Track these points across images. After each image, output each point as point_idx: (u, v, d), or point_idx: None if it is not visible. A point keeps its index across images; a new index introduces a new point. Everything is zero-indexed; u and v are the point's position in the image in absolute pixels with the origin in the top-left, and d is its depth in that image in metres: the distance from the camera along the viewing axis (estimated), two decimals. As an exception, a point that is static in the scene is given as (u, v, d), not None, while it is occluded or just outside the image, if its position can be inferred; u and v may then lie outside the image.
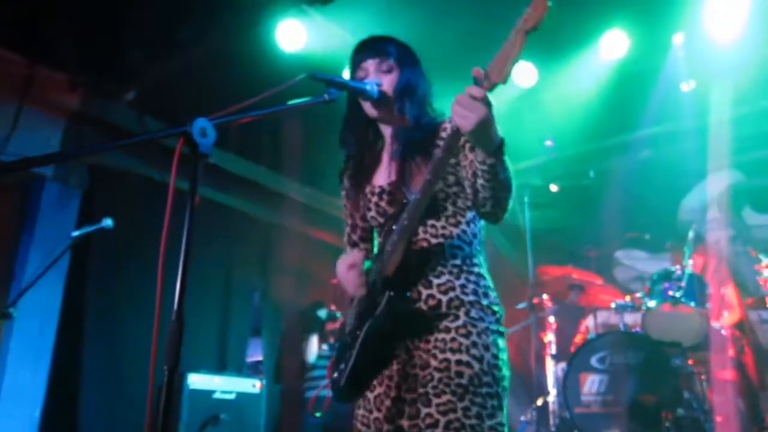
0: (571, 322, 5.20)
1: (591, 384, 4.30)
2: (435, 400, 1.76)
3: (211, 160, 5.51)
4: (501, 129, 1.72)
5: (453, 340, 1.80)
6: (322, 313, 5.52)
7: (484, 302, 1.87)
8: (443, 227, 1.92)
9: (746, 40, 5.19)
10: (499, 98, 5.50)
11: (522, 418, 4.93)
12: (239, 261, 5.89)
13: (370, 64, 2.07)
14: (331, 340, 5.42)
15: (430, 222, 1.92)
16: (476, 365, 1.76)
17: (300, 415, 5.31)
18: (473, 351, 1.78)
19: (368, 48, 2.11)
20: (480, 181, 1.77)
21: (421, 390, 1.80)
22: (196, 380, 4.40)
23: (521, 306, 5.03)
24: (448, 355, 1.78)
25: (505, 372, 1.85)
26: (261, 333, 5.77)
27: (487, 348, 1.80)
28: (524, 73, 6.02)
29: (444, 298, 1.84)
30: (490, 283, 1.94)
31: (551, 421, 4.80)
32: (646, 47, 5.59)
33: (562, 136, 5.62)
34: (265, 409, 4.80)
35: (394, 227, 1.90)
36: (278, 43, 4.89)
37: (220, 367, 5.38)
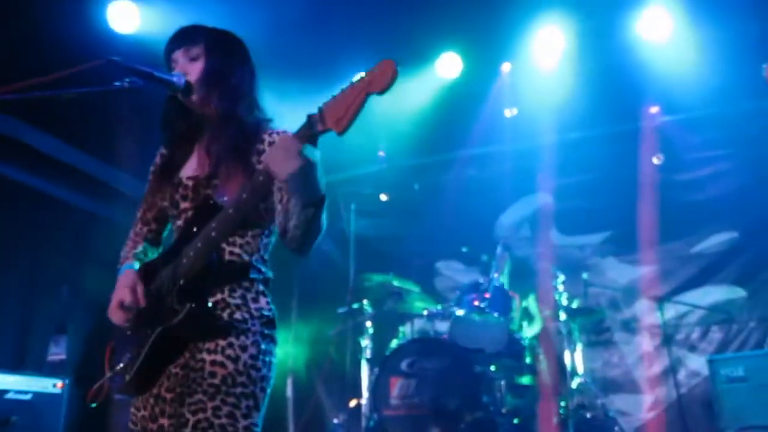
0: (388, 327, 5.37)
1: (400, 387, 4.45)
2: (188, 400, 1.76)
3: (25, 140, 5.12)
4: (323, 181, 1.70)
5: (212, 339, 1.80)
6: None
7: (252, 306, 1.88)
8: (234, 240, 1.91)
9: (562, 77, 5.72)
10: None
11: (335, 420, 5.01)
12: (48, 252, 5.46)
13: (179, 54, 2.01)
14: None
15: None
16: (230, 365, 1.77)
17: (109, 416, 5.04)
18: (228, 351, 1.78)
19: (177, 37, 2.04)
20: (292, 223, 1.78)
21: (178, 390, 1.79)
22: (-14, 379, 4.03)
23: (341, 310, 5.14)
24: (204, 355, 1.78)
25: (266, 373, 1.85)
26: (66, 329, 5.38)
27: (244, 349, 1.80)
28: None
29: (211, 300, 1.84)
30: (264, 288, 1.95)
31: (363, 424, 4.91)
32: (476, 72, 5.96)
33: (394, 148, 5.81)
34: (66, 411, 4.48)
35: (194, 229, 1.84)
36: (109, 24, 4.65)
37: (17, 365, 4.95)
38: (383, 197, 6.13)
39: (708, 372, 4.21)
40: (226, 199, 1.84)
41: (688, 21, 5.24)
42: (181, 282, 1.80)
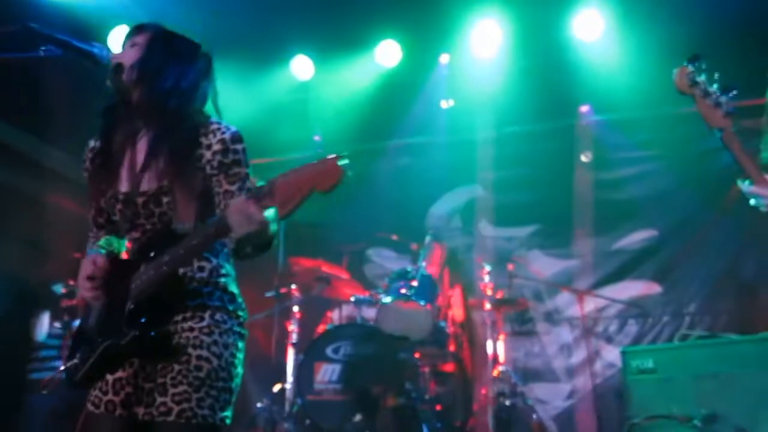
0: (316, 313, 5.37)
1: (324, 373, 4.48)
2: (172, 390, 1.82)
3: None
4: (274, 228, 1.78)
5: (196, 338, 1.87)
6: (58, 288, 5.09)
7: (230, 307, 1.96)
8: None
9: (499, 71, 5.82)
10: (275, 86, 5.45)
11: (258, 405, 4.98)
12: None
13: (126, 43, 2.03)
14: (66, 318, 5.04)
15: None
16: (215, 361, 1.86)
17: (19, 399, 4.85)
18: (213, 348, 1.87)
19: (131, 30, 2.06)
20: (242, 245, 1.84)
21: (160, 380, 1.84)
22: None
23: (269, 294, 5.10)
24: (190, 350, 1.85)
25: (240, 371, 1.95)
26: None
27: (226, 347, 1.90)
28: (302, 66, 6.13)
29: (191, 304, 1.91)
30: (236, 290, 2.01)
31: (286, 408, 4.91)
32: (415, 61, 6.00)
33: (330, 133, 5.78)
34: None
35: (151, 254, 1.85)
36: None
37: None
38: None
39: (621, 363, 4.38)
40: (182, 225, 1.89)
41: (619, 24, 5.41)
42: (131, 306, 1.84)
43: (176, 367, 1.83)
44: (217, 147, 1.93)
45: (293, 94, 6.21)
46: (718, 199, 5.14)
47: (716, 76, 2.26)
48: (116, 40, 5.09)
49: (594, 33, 5.47)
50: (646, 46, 5.30)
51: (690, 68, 2.23)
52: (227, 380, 1.88)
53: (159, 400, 1.81)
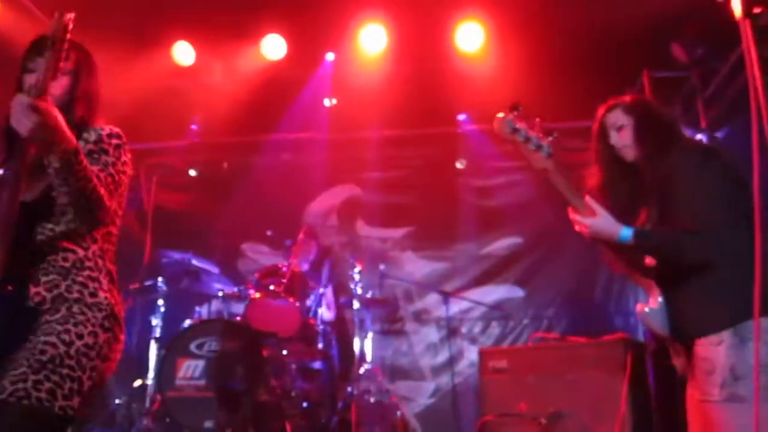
0: (184, 307, 5.23)
1: (187, 369, 4.37)
2: (11, 372, 1.79)
3: None
4: (69, 136, 1.78)
5: (49, 326, 1.86)
6: None
7: (90, 301, 1.93)
8: (52, 229, 1.95)
9: (383, 74, 5.90)
10: (153, 70, 5.22)
11: (116, 401, 4.79)
12: None
13: None
14: None
15: (44, 223, 1.95)
16: (62, 348, 1.83)
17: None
18: (64, 336, 1.85)
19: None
20: (56, 184, 1.84)
21: (5, 365, 1.82)
22: None
23: (134, 286, 4.91)
24: (40, 336, 1.85)
25: (102, 366, 1.91)
26: None
27: (80, 337, 1.87)
28: (182, 52, 5.92)
29: (49, 296, 1.90)
30: (103, 284, 1.99)
31: (146, 405, 4.74)
32: (301, 57, 5.94)
33: (209, 123, 5.63)
34: None
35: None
36: None
37: None
38: (192, 172, 5.93)
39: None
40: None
41: (497, 38, 5.63)
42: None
43: (21, 353, 1.81)
44: None
45: (173, 80, 5.99)
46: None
47: (537, 120, 2.39)
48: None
49: (474, 44, 5.67)
50: (521, 60, 5.54)
51: (510, 116, 2.35)
52: (75, 369, 1.83)
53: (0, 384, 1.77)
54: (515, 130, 2.36)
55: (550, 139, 2.38)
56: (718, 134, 5.35)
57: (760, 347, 2.19)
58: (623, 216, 2.47)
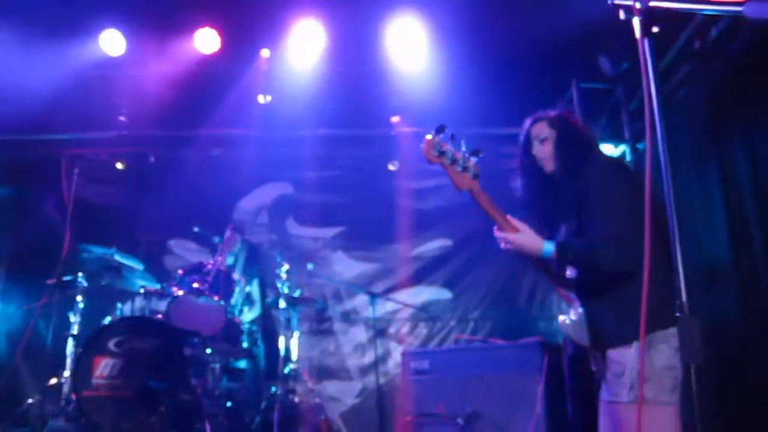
0: (104, 304, 5.07)
1: (104, 367, 4.25)
2: None
3: None
4: None
5: None
6: None
7: None
8: None
9: (318, 73, 5.87)
10: (79, 59, 5.04)
11: (29, 400, 4.61)
12: None
13: None
14: None
15: None
16: None
17: None
18: None
19: None
20: None
21: None
22: None
23: (50, 281, 4.74)
24: None
25: None
26: None
27: None
28: (112, 40, 5.74)
29: None
30: None
31: (61, 403, 4.59)
32: (235, 52, 5.85)
33: (137, 115, 5.49)
34: None
35: None
36: None
37: None
38: (119, 165, 5.76)
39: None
40: None
41: (431, 42, 5.68)
42: None
43: None
44: None
45: (100, 70, 5.80)
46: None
47: (462, 141, 2.45)
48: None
49: (409, 47, 5.70)
50: (456, 64, 5.62)
51: (437, 138, 2.39)
52: None
53: None
54: (442, 153, 2.40)
55: (475, 161, 2.44)
56: (640, 146, 5.57)
57: (664, 349, 2.31)
58: (545, 229, 2.57)
